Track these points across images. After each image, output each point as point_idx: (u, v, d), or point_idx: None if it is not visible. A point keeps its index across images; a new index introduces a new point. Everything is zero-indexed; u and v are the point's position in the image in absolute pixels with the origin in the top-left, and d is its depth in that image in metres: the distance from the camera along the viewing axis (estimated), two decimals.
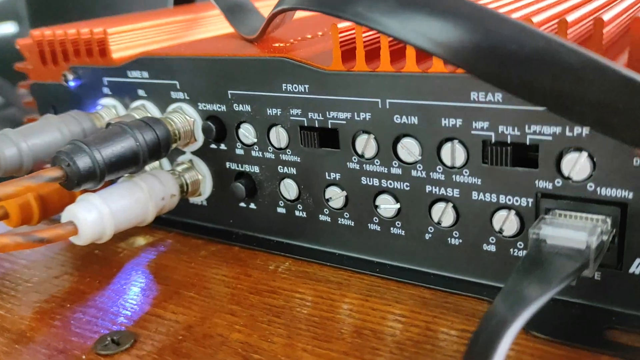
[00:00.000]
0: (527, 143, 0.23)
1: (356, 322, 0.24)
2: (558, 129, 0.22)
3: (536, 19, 0.22)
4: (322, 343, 0.23)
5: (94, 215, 0.27)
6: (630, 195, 0.21)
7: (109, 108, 0.34)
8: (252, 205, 0.32)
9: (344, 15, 0.20)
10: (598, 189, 0.22)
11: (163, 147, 0.30)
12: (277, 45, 0.30)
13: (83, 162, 0.27)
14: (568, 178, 0.22)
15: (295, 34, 0.33)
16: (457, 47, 0.19)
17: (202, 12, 0.42)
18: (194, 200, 0.34)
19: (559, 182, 0.22)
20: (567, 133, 0.22)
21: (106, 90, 0.35)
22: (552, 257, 0.21)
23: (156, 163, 0.34)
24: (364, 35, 0.25)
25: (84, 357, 0.24)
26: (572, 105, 0.18)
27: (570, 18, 0.21)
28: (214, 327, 0.25)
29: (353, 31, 0.26)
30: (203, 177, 0.33)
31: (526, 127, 0.22)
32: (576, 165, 0.22)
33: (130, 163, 0.29)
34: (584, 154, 0.22)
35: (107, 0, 0.49)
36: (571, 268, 0.20)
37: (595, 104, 0.18)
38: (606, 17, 0.20)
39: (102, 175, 0.27)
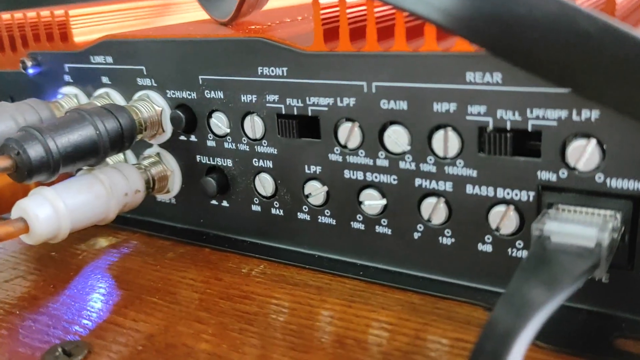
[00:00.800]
0: (529, 129, 0.20)
1: (338, 331, 0.22)
2: (564, 113, 0.19)
3: None
4: (300, 354, 0.21)
5: (47, 211, 0.24)
6: None
7: (69, 97, 0.32)
8: (225, 203, 0.29)
9: None
10: (608, 180, 0.19)
11: (126, 137, 0.27)
12: (253, 27, 0.28)
13: (35, 150, 0.24)
14: (574, 168, 0.20)
15: (273, 19, 0.31)
16: (458, 11, 0.16)
17: None
18: (161, 197, 0.31)
19: (563, 173, 0.20)
20: (574, 117, 0.19)
21: (67, 77, 0.32)
22: (558, 255, 0.18)
23: (120, 156, 0.31)
24: (348, 11, 0.23)
25: None
26: (586, 78, 0.16)
27: None
28: (178, 336, 0.22)
29: (337, 9, 0.23)
30: (171, 172, 0.30)
31: (528, 111, 0.20)
32: (584, 154, 0.20)
33: (89, 154, 0.26)
34: (593, 141, 0.19)
35: None
36: (581, 268, 0.18)
37: (612, 76, 0.16)
38: None
39: (56, 167, 0.25)
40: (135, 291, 0.26)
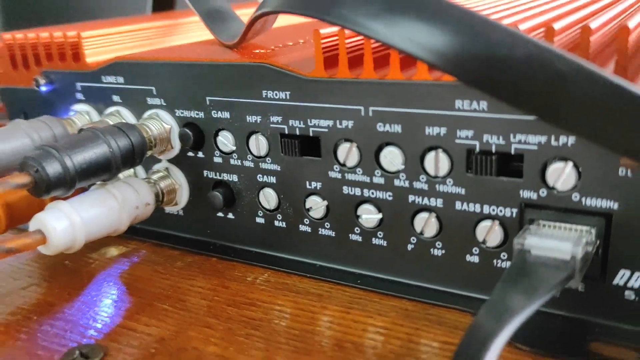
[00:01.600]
0: (512, 152, 0.22)
1: (337, 335, 0.24)
2: (543, 139, 0.22)
3: (523, 27, 0.22)
4: (302, 356, 0.23)
5: (63, 223, 0.26)
6: (615, 206, 0.21)
7: (82, 114, 0.33)
8: (230, 215, 0.31)
9: (328, 18, 0.20)
10: (583, 199, 0.22)
11: (137, 154, 0.29)
12: (257, 51, 0.29)
13: (52, 168, 0.26)
14: (553, 188, 0.22)
15: (276, 41, 0.32)
16: (445, 51, 0.18)
17: (180, 18, 0.41)
18: (169, 209, 0.33)
19: (543, 192, 0.22)
20: (553, 142, 0.21)
21: (79, 95, 0.34)
22: (537, 267, 0.20)
23: (130, 171, 0.33)
24: (347, 41, 0.25)
25: None
26: (560, 112, 0.18)
27: (557, 26, 0.21)
28: (188, 341, 0.24)
29: (336, 38, 0.25)
30: (179, 186, 0.32)
31: (511, 136, 0.22)
32: (561, 175, 0.22)
33: (103, 170, 0.28)
34: (569, 164, 0.21)
35: (83, 7, 0.48)
36: (557, 278, 0.20)
37: (583, 111, 0.18)
38: (593, 25, 0.20)
39: (72, 182, 0.26)
40: (146, 298, 0.28)
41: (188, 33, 0.40)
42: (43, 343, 0.25)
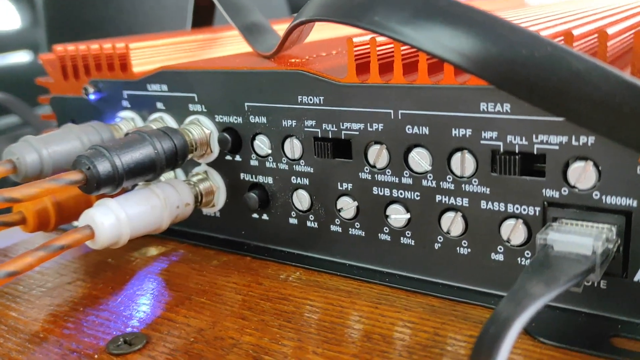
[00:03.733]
0: (535, 152, 0.23)
1: (366, 328, 0.25)
2: (564, 139, 0.22)
3: (544, 34, 0.23)
4: (333, 346, 0.24)
5: (111, 219, 0.28)
6: (635, 204, 0.22)
7: (127, 120, 0.35)
8: (265, 216, 0.32)
9: (361, 24, 0.22)
10: (603, 197, 0.22)
11: (180, 156, 0.31)
12: (293, 60, 0.31)
13: (103, 166, 0.28)
14: (574, 187, 0.23)
15: (310, 52, 0.34)
16: (469, 53, 0.19)
17: (220, 32, 0.43)
18: (207, 211, 0.34)
19: (565, 190, 0.23)
20: (574, 142, 0.22)
21: (125, 103, 0.36)
22: (559, 260, 0.21)
23: (171, 174, 0.35)
24: (378, 49, 0.26)
25: (96, 356, 0.25)
26: (578, 110, 0.19)
27: (576, 32, 0.22)
28: (225, 331, 0.26)
29: (367, 46, 0.27)
30: (217, 188, 0.33)
31: (534, 136, 0.23)
32: (582, 174, 0.22)
33: (148, 170, 0.29)
34: (590, 163, 0.22)
35: (124, 23, 0.50)
36: (577, 270, 0.21)
37: (600, 109, 0.19)
38: (610, 31, 0.21)
39: (120, 181, 0.28)
40: (184, 292, 0.29)
41: (227, 46, 0.42)
42: (89, 331, 0.27)
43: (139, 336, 0.26)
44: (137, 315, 0.28)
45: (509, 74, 0.19)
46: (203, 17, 0.46)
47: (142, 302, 0.29)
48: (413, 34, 0.20)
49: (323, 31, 0.45)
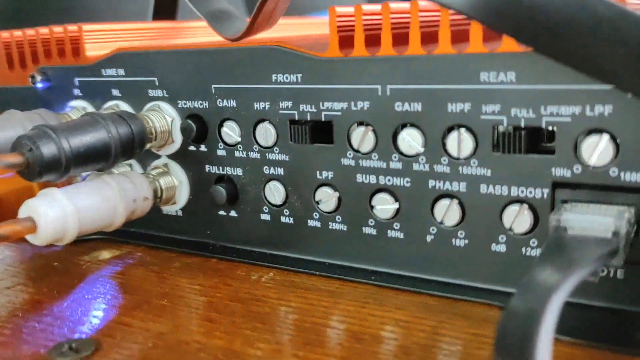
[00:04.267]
0: (543, 126, 0.21)
1: (353, 328, 0.22)
2: (577, 109, 0.20)
3: None
4: (315, 348, 0.20)
5: (56, 211, 0.24)
6: None
7: (78, 110, 0.32)
8: (233, 213, 0.29)
9: None
10: (622, 174, 0.20)
11: (137, 143, 0.27)
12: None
13: (48, 148, 0.24)
14: (588, 163, 0.20)
15: (286, 36, 0.31)
16: None
17: (184, 23, 0.40)
18: (167, 209, 0.31)
19: (577, 168, 0.21)
20: (588, 113, 0.20)
21: (77, 91, 0.32)
22: (577, 243, 0.19)
23: (127, 168, 0.31)
24: (364, 18, 0.23)
25: None
26: (606, 61, 0.17)
27: None
28: (189, 334, 0.22)
29: (352, 18, 0.24)
30: (179, 183, 0.30)
31: (542, 108, 0.21)
32: (597, 149, 0.20)
33: (100, 157, 0.26)
34: (606, 136, 0.20)
35: (81, 13, 0.46)
36: (599, 252, 0.18)
37: (632, 59, 0.16)
38: None
39: (67, 166, 0.25)
40: (142, 295, 0.26)
41: (191, 36, 0.39)
42: (28, 338, 0.23)
43: (88, 342, 0.22)
44: (86, 321, 0.24)
45: (527, 22, 0.17)
46: (165, 10, 0.43)
47: (92, 307, 0.25)
48: None
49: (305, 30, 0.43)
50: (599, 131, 0.20)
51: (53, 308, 0.25)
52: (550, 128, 0.21)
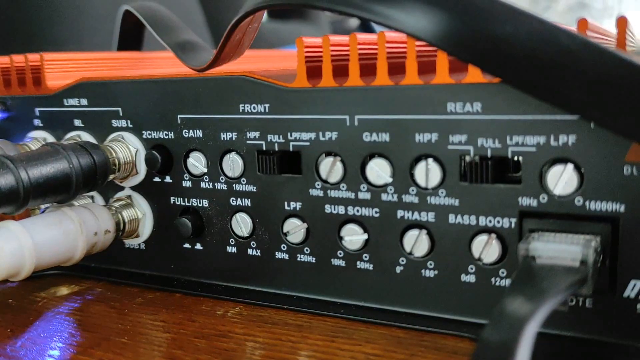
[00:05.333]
0: (509, 156, 0.21)
1: None
2: (542, 139, 0.20)
3: None
4: None
5: (12, 245, 0.23)
6: (622, 208, 0.20)
7: (38, 140, 0.31)
8: (198, 246, 0.28)
9: (318, 3, 0.19)
10: (587, 203, 0.20)
11: (100, 175, 0.27)
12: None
13: (5, 179, 0.23)
14: (554, 193, 0.21)
15: (252, 67, 0.31)
16: (447, 30, 0.17)
17: (150, 54, 0.40)
18: (130, 243, 0.30)
19: (544, 198, 0.21)
20: (552, 142, 0.20)
21: (37, 122, 0.31)
22: (546, 272, 0.19)
23: (88, 200, 0.30)
24: (331, 48, 0.23)
25: None
26: (570, 91, 0.17)
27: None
28: None
29: (320, 48, 0.24)
30: (143, 215, 0.29)
31: (507, 138, 0.21)
32: (562, 178, 0.20)
33: (61, 188, 0.25)
34: (570, 166, 0.20)
35: (46, 48, 0.46)
36: (569, 280, 0.18)
37: (595, 89, 0.17)
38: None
39: (26, 198, 0.24)
40: (101, 333, 0.24)
41: (156, 67, 0.38)
42: None
43: None
44: None
45: (492, 52, 0.17)
46: (130, 41, 0.42)
47: (47, 345, 0.24)
48: (378, 8, 0.18)
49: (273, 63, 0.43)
50: (564, 161, 0.20)
51: (6, 348, 0.24)
52: (516, 158, 0.21)
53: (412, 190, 0.23)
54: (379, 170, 0.23)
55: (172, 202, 0.28)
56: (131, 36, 0.42)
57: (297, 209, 0.25)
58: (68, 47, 0.40)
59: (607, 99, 0.17)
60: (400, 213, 0.23)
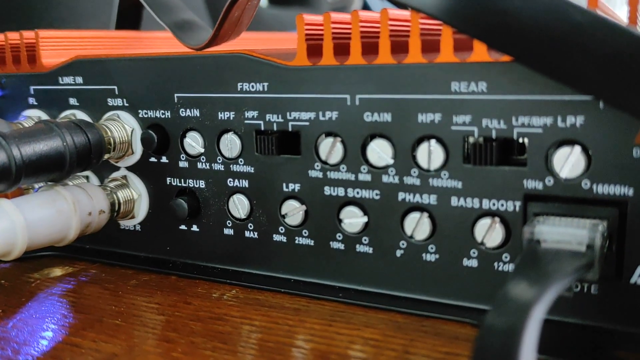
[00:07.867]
0: (515, 137, 0.20)
1: (320, 347, 0.21)
2: (549, 120, 0.20)
3: None
4: None
5: (4, 223, 0.23)
6: (631, 192, 0.19)
7: (32, 119, 0.30)
8: (195, 228, 0.28)
9: None
10: (594, 186, 0.20)
11: (94, 153, 0.26)
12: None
13: None
14: (560, 176, 0.20)
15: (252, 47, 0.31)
16: (453, 3, 0.17)
17: (148, 33, 0.39)
18: (125, 224, 0.29)
19: (549, 180, 0.20)
20: (559, 124, 0.20)
21: (32, 100, 0.31)
22: (552, 256, 0.18)
23: (83, 180, 0.30)
24: (333, 26, 0.23)
25: None
26: (580, 68, 0.16)
27: None
28: (144, 355, 0.21)
29: (321, 26, 0.23)
30: (138, 196, 0.28)
31: (513, 119, 0.20)
32: (569, 161, 0.20)
33: (54, 166, 0.24)
34: (578, 148, 0.19)
35: (42, 21, 0.45)
36: (575, 265, 0.17)
37: (606, 67, 0.16)
38: None
39: (18, 175, 0.23)
40: (94, 315, 0.24)
41: (153, 46, 0.37)
42: None
43: None
44: (32, 342, 0.22)
45: (500, 28, 0.16)
46: (128, 21, 0.42)
47: (40, 327, 0.23)
48: None
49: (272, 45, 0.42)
50: (571, 142, 0.20)
51: None
52: (521, 139, 0.20)
53: (414, 172, 0.22)
54: (380, 151, 0.23)
55: (168, 183, 0.28)
56: (129, 16, 0.41)
57: (296, 190, 0.25)
58: (66, 27, 0.40)
59: (618, 77, 0.16)
60: (401, 195, 0.23)
